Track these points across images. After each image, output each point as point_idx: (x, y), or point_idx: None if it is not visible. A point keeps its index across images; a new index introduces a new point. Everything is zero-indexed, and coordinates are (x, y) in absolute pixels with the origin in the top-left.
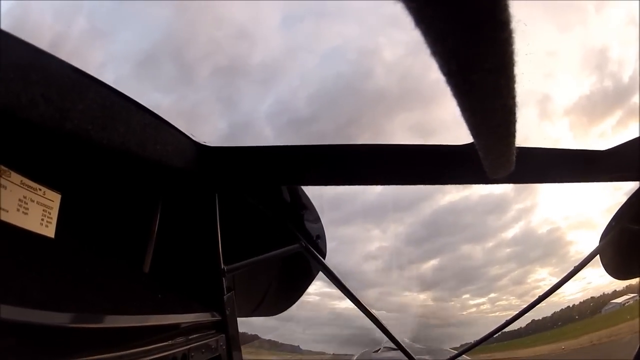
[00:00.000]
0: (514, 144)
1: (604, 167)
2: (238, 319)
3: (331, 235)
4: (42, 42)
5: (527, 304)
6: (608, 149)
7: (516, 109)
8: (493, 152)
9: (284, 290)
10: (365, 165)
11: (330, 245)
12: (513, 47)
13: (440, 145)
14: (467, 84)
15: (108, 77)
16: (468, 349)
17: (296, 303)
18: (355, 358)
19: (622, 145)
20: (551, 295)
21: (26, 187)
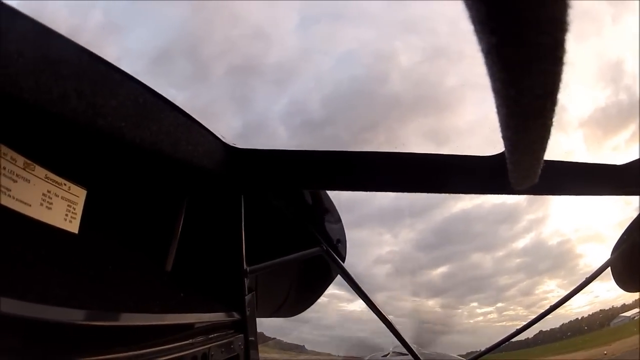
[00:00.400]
0: (545, 152)
1: (621, 181)
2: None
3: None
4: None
5: (536, 315)
6: (625, 163)
7: (552, 127)
8: (523, 162)
9: (302, 292)
10: (386, 172)
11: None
12: (562, 76)
13: (465, 155)
14: (518, 107)
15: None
16: (476, 357)
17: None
18: None
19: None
20: (560, 307)
21: (51, 182)
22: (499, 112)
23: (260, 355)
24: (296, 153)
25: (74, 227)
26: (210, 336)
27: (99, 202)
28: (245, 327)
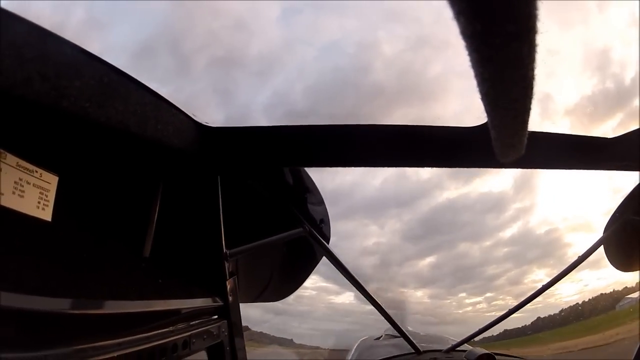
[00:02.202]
0: (528, 122)
1: (611, 154)
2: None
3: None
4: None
5: (531, 293)
6: (616, 137)
7: (535, 82)
8: (506, 130)
9: (287, 276)
10: (370, 146)
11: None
12: (537, 12)
13: (449, 127)
14: (489, 49)
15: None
16: (470, 337)
17: (291, 297)
18: (356, 346)
19: (630, 134)
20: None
21: (22, 169)
22: (478, 80)
23: (248, 349)
24: (272, 129)
25: (46, 214)
26: (191, 323)
27: (72, 188)
28: (228, 312)
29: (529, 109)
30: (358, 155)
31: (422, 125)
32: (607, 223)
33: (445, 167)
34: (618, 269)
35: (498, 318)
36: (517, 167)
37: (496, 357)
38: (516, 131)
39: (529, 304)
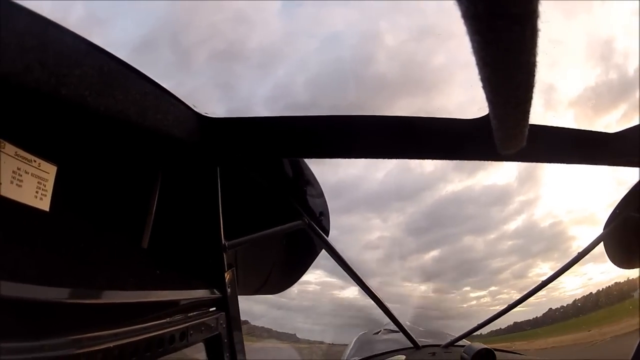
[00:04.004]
0: (529, 112)
1: (613, 150)
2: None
3: (333, 224)
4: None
5: (531, 288)
6: (618, 132)
7: (536, 69)
8: (508, 120)
9: (286, 269)
10: (370, 137)
11: (331, 234)
12: (538, 33)
13: (451, 119)
14: (491, 32)
15: None
16: (469, 332)
17: (294, 291)
18: (355, 339)
19: (632, 129)
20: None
21: (21, 159)
22: (479, 65)
23: (249, 344)
24: (271, 120)
25: (44, 204)
26: (189, 314)
27: (70, 178)
28: (227, 304)
29: (531, 97)
30: (358, 146)
31: (423, 117)
32: (607, 220)
33: (445, 159)
34: (618, 266)
35: (497, 313)
36: (518, 160)
37: (495, 352)
38: (518, 121)
39: (528, 299)
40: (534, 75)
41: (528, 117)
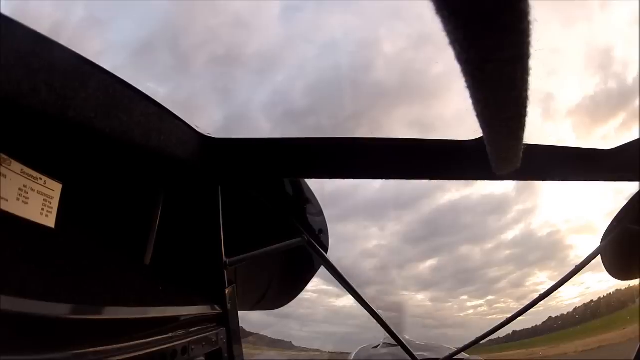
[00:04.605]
0: (523, 138)
1: (608, 166)
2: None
3: (329, 232)
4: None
5: (529, 302)
6: (612, 149)
7: (528, 102)
8: (502, 146)
9: (285, 284)
10: (368, 158)
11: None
12: (530, 38)
13: (446, 140)
14: (483, 74)
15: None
16: (467, 346)
17: (293, 300)
18: (354, 354)
19: (627, 145)
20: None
21: (27, 176)
22: (472, 100)
23: (246, 351)
24: (272, 141)
25: (50, 221)
26: (190, 330)
27: (75, 196)
28: (227, 320)
29: (524, 125)
30: (355, 167)
31: (420, 139)
32: (605, 232)
33: (442, 179)
34: (616, 278)
35: (495, 327)
36: (514, 180)
37: None
38: (511, 147)
39: (526, 312)
40: (526, 107)
41: (522, 142)
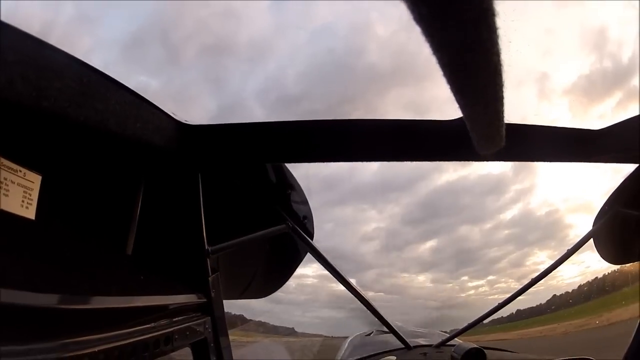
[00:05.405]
0: (503, 111)
1: (597, 147)
2: (229, 301)
3: (327, 217)
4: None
5: (520, 287)
6: (602, 129)
7: (502, 69)
8: (480, 121)
9: (271, 273)
10: (351, 141)
11: (326, 227)
12: (498, 29)
13: (429, 120)
14: (442, 33)
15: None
16: (461, 331)
17: (292, 285)
18: (347, 342)
19: (617, 125)
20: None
21: (7, 169)
22: (440, 66)
23: (247, 339)
24: (251, 126)
25: (30, 213)
26: (173, 319)
27: (55, 187)
28: (212, 309)
29: (501, 97)
30: (338, 150)
31: (403, 120)
32: (597, 216)
33: (426, 161)
34: (608, 262)
35: (486, 313)
36: (499, 160)
37: (486, 350)
38: (491, 121)
39: (517, 297)
40: (500, 75)
41: (502, 117)
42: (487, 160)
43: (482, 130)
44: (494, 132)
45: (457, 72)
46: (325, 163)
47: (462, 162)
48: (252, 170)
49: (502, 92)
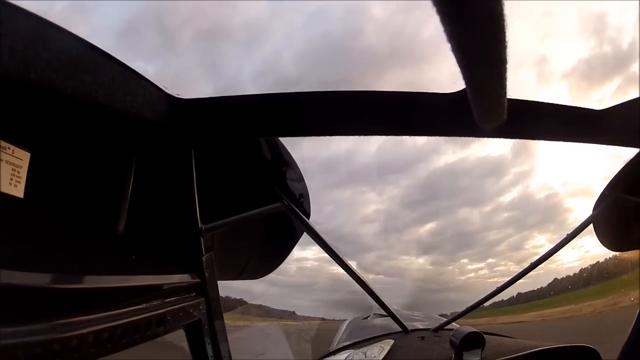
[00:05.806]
0: (505, 82)
1: (599, 127)
2: (224, 282)
3: (327, 199)
4: None
5: (518, 272)
6: (605, 109)
7: (507, 48)
8: (483, 92)
9: (267, 253)
10: (349, 113)
11: (326, 209)
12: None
13: (429, 92)
14: (451, 4)
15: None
16: (458, 316)
17: (293, 269)
18: (345, 325)
19: (621, 106)
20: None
21: None
22: (450, 43)
23: (247, 322)
24: (245, 98)
25: (19, 191)
26: (166, 300)
27: (44, 165)
28: (205, 289)
29: (505, 67)
30: (334, 123)
31: (403, 92)
32: (597, 201)
33: (426, 135)
34: (608, 248)
35: (484, 297)
36: (500, 137)
37: (485, 335)
38: (494, 90)
39: (515, 283)
40: (505, 45)
41: (505, 87)
42: (488, 136)
43: (485, 99)
44: (496, 104)
45: (464, 43)
46: (323, 140)
47: (462, 140)
48: (246, 146)
49: (505, 63)
